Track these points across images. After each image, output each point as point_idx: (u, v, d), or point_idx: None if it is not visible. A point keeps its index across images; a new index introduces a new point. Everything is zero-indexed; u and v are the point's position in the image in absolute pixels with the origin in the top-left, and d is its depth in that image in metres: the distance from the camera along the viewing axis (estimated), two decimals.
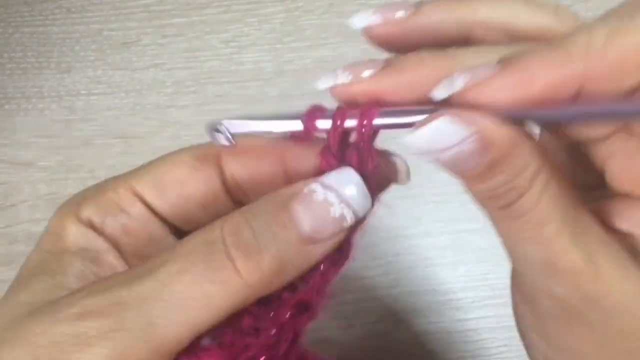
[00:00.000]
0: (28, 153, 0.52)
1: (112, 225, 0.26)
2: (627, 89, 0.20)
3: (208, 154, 0.26)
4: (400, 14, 0.24)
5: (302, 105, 0.54)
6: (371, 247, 0.49)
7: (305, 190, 0.22)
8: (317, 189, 0.22)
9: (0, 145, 0.52)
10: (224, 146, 0.24)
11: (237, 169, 0.26)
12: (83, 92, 0.54)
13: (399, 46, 0.25)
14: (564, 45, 0.20)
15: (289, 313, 0.22)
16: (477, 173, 0.20)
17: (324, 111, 0.23)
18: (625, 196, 0.23)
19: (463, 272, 0.49)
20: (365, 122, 0.22)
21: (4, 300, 0.24)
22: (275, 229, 0.21)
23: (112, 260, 0.25)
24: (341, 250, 0.23)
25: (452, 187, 0.51)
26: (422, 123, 0.20)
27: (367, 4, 0.57)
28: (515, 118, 0.20)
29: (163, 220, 0.27)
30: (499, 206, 0.21)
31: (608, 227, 0.23)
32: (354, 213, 0.22)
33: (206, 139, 0.55)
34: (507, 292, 0.49)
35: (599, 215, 0.23)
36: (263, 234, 0.21)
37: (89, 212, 0.26)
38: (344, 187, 0.22)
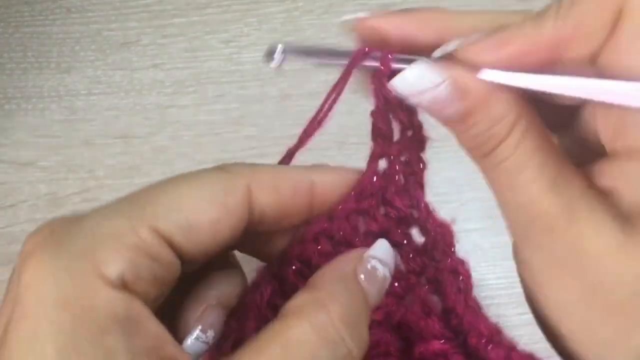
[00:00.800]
0: (28, 153, 0.52)
1: (145, 277, 0.21)
2: (590, 53, 0.22)
3: (237, 188, 0.24)
4: (390, 14, 0.27)
5: (303, 105, 0.53)
6: None
7: (369, 267, 0.26)
8: (377, 267, 0.26)
9: (0, 145, 0.52)
10: (275, 67, 0.26)
11: (268, 205, 0.25)
12: (83, 92, 0.54)
13: (388, 41, 0.27)
14: (537, 15, 0.22)
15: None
16: (457, 119, 0.23)
17: (370, 52, 0.27)
18: (613, 157, 0.24)
19: None
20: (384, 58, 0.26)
21: None
22: (357, 311, 0.24)
23: (151, 327, 0.21)
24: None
25: (452, 187, 0.51)
26: (406, 69, 0.24)
27: (367, 4, 0.57)
28: (503, 82, 0.23)
29: (182, 258, 0.23)
30: (481, 154, 0.23)
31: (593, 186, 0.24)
32: (390, 271, 0.27)
33: (205, 138, 0.55)
34: (507, 292, 0.50)
35: (586, 176, 0.24)
36: (358, 318, 0.24)
37: (117, 267, 0.20)
38: (390, 259, 0.27)
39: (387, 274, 0.26)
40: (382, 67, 0.25)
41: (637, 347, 0.23)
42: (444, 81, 0.23)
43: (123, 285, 0.21)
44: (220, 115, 0.53)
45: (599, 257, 0.22)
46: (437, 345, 0.25)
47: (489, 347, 0.25)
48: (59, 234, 0.21)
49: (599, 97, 0.22)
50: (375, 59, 0.26)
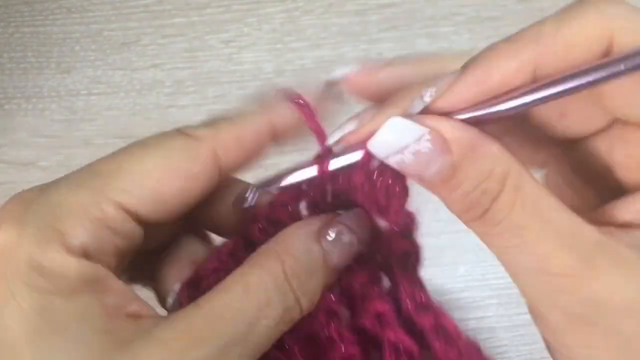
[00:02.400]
0: (28, 153, 0.52)
1: (106, 247, 0.22)
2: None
3: (203, 153, 0.24)
4: (373, 65, 0.26)
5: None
6: None
7: (334, 231, 0.24)
8: (344, 231, 0.25)
9: (0, 145, 0.53)
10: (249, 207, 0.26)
11: (235, 161, 0.25)
12: (83, 92, 0.54)
13: (374, 95, 0.26)
14: (515, 38, 0.21)
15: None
16: (443, 177, 0.21)
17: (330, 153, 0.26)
18: (631, 191, 0.23)
19: (463, 272, 0.49)
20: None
21: None
22: (318, 268, 0.24)
23: (116, 286, 0.22)
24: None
25: None
26: (378, 128, 0.22)
27: (367, 4, 0.57)
28: (484, 119, 0.21)
29: (143, 224, 0.24)
30: (475, 216, 0.21)
31: (612, 224, 0.22)
32: (363, 245, 0.25)
33: None
34: (507, 292, 0.50)
35: (603, 215, 0.23)
36: (313, 275, 0.24)
37: (79, 238, 0.21)
38: (361, 230, 0.25)
39: (354, 241, 0.25)
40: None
41: None
42: (424, 133, 0.21)
43: (85, 256, 0.22)
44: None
45: (630, 309, 0.20)
46: (378, 305, 0.25)
47: (419, 313, 0.25)
48: (27, 205, 0.22)
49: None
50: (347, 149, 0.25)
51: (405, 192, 0.24)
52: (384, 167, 0.23)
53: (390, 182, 0.24)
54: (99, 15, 0.57)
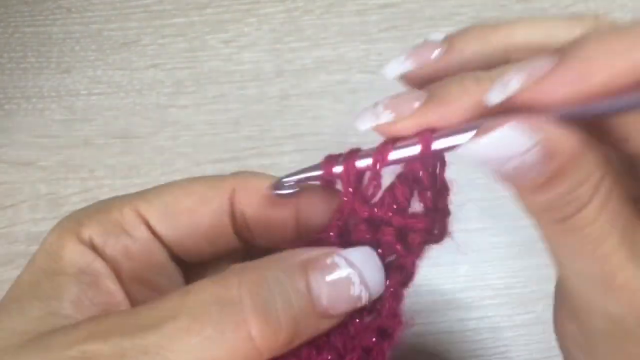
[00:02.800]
0: (28, 153, 0.52)
1: (113, 246, 0.24)
2: None
3: (221, 187, 0.25)
4: (434, 55, 0.23)
5: (303, 105, 0.53)
6: None
7: (328, 261, 0.21)
8: (341, 264, 0.21)
9: (0, 145, 0.52)
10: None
11: (249, 207, 0.25)
12: (83, 92, 0.54)
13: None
14: (629, 31, 0.18)
15: (373, 338, 0.22)
16: (537, 184, 0.19)
17: (338, 157, 0.24)
18: None
19: (463, 272, 0.49)
20: (378, 160, 0.22)
21: (3, 315, 0.22)
22: (293, 295, 0.20)
23: (110, 285, 0.24)
24: (406, 270, 0.23)
25: (452, 187, 0.51)
26: (484, 130, 0.18)
27: (367, 4, 0.57)
28: (578, 116, 0.18)
29: (165, 245, 0.25)
30: (555, 219, 0.20)
31: None
32: (370, 294, 0.21)
33: (205, 138, 0.55)
34: (508, 292, 0.50)
35: None
36: (281, 300, 0.19)
37: (90, 231, 0.24)
38: (367, 267, 0.21)
39: (355, 279, 0.21)
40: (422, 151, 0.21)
41: None
42: (534, 145, 0.18)
43: (91, 245, 0.24)
44: (220, 116, 0.53)
45: None
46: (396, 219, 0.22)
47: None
48: (77, 210, 0.25)
49: None
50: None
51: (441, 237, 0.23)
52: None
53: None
54: (99, 15, 0.57)
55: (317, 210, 0.24)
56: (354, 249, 0.22)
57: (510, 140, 0.18)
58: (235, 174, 0.26)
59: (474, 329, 0.48)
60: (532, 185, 0.19)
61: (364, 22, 0.56)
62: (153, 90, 0.54)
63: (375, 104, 0.22)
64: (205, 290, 0.19)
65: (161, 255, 0.25)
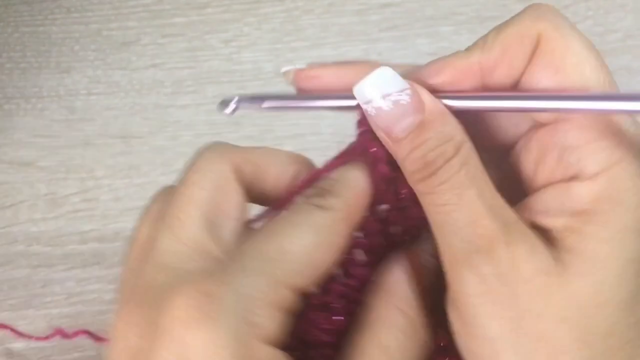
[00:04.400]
0: (27, 153, 0.52)
1: (286, 327, 0.24)
2: (512, 78, 0.25)
3: (337, 227, 0.26)
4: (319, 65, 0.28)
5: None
6: None
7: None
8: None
9: None
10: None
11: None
12: (82, 91, 0.54)
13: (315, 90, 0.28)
14: (468, 47, 0.25)
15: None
16: (410, 132, 0.24)
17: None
18: (534, 192, 0.26)
19: None
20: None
21: None
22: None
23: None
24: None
25: None
26: (370, 71, 0.25)
27: (367, 4, 0.57)
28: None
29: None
30: (425, 175, 0.24)
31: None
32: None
33: (205, 138, 0.55)
34: None
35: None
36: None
37: (269, 328, 0.23)
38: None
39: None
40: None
41: None
42: (407, 87, 0.24)
43: (275, 343, 0.23)
44: (220, 115, 0.53)
45: (531, 280, 0.23)
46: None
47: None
48: (215, 301, 0.22)
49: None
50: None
51: None
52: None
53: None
54: (99, 15, 0.57)
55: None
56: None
57: (387, 79, 0.24)
58: (334, 197, 0.26)
59: None
60: (406, 136, 0.24)
61: (364, 21, 0.56)
62: (153, 90, 0.54)
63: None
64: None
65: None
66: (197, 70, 0.55)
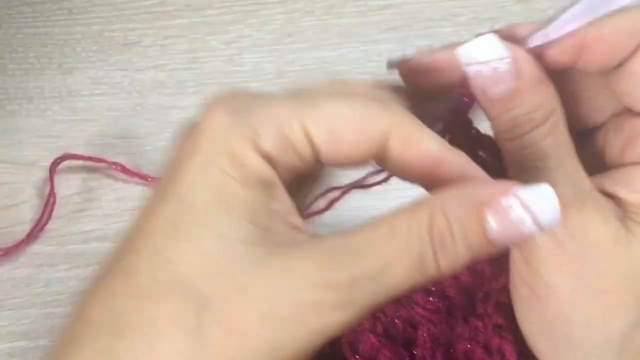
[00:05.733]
0: (30, 153, 0.52)
1: (286, 163, 0.25)
2: (611, 61, 0.26)
3: (380, 124, 0.25)
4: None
5: None
6: None
7: (503, 203, 0.22)
8: (514, 206, 0.22)
9: (1, 146, 0.53)
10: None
11: (396, 152, 0.25)
12: (84, 92, 0.55)
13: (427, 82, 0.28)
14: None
15: None
16: (505, 97, 0.25)
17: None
18: (617, 168, 0.28)
19: None
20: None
21: (201, 227, 0.23)
22: (470, 235, 0.23)
23: (285, 197, 0.25)
24: None
25: None
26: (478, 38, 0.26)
27: (367, 5, 0.57)
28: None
29: (316, 165, 0.26)
30: (513, 136, 0.26)
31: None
32: (541, 229, 0.23)
33: None
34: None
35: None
36: (461, 239, 0.23)
37: (269, 145, 0.24)
38: (540, 208, 0.22)
39: (526, 220, 0.22)
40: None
41: (619, 329, 0.26)
42: (507, 56, 0.25)
43: (269, 160, 0.24)
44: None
45: (599, 244, 0.25)
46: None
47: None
48: (241, 99, 0.26)
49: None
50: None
51: None
52: None
53: None
54: (101, 16, 0.57)
55: (450, 175, 0.26)
56: (531, 188, 0.23)
57: (490, 46, 0.25)
58: (390, 109, 0.26)
59: None
60: (502, 99, 0.25)
61: (364, 23, 0.56)
62: (154, 91, 0.54)
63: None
64: (408, 226, 0.23)
65: (310, 169, 0.26)
66: (199, 71, 0.55)
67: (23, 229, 0.50)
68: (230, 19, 0.57)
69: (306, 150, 0.25)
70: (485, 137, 0.29)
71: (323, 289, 0.22)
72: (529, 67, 0.25)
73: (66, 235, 0.49)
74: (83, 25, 0.57)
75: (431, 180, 0.25)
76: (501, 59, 0.25)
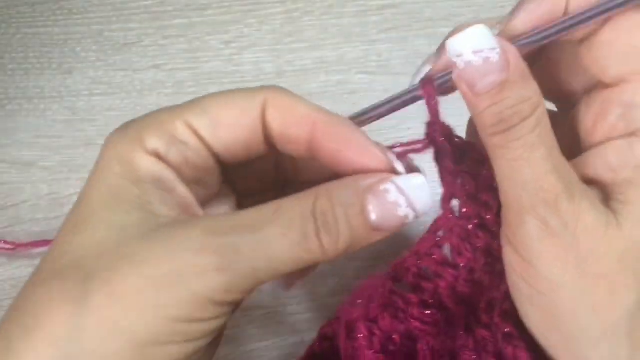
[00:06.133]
0: (29, 153, 0.53)
1: (175, 155, 0.28)
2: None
3: (256, 100, 0.28)
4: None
5: None
6: (370, 247, 0.49)
7: (381, 187, 0.26)
8: (391, 190, 0.26)
9: (1, 146, 0.53)
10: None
11: (275, 122, 0.29)
12: (84, 92, 0.55)
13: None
14: None
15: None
16: (491, 90, 0.25)
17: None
18: (590, 149, 0.28)
19: None
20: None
21: (96, 220, 0.26)
22: (352, 216, 0.26)
23: (182, 189, 0.28)
24: None
25: None
26: (461, 29, 0.26)
27: (366, 5, 0.57)
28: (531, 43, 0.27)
29: (212, 152, 0.29)
30: (501, 129, 0.26)
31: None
32: (416, 213, 0.27)
33: None
34: None
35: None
36: (343, 219, 0.26)
37: (154, 142, 0.27)
38: (414, 193, 0.27)
39: (401, 204, 0.26)
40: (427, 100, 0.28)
41: (625, 310, 0.26)
42: (497, 47, 0.25)
43: (157, 155, 0.27)
44: None
45: (593, 230, 0.26)
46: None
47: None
48: (127, 123, 0.29)
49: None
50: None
51: None
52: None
53: None
54: (100, 16, 0.57)
55: (330, 139, 0.28)
56: (405, 177, 0.27)
57: (479, 37, 0.25)
58: (265, 88, 0.29)
59: None
60: (489, 92, 0.25)
61: (364, 23, 0.56)
62: (154, 91, 0.54)
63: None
64: (291, 206, 0.26)
65: (209, 160, 0.29)
66: (198, 71, 0.55)
67: (23, 229, 0.50)
68: (229, 19, 0.57)
69: (193, 142, 0.28)
70: (470, 144, 0.29)
71: (206, 253, 0.24)
72: (516, 59, 0.26)
73: None
74: (83, 25, 0.57)
75: (313, 148, 0.28)
76: (492, 49, 0.25)
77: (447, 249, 0.29)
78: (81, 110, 0.54)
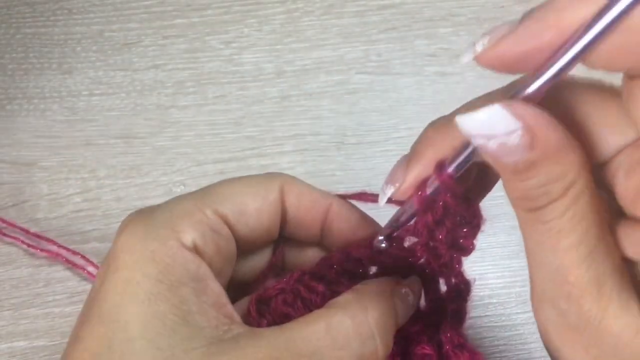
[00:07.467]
0: (29, 153, 0.53)
1: (210, 246, 0.27)
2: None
3: (275, 188, 0.30)
4: (505, 30, 0.22)
5: (303, 105, 0.54)
6: None
7: (403, 291, 0.30)
8: (409, 295, 0.30)
9: (1, 146, 0.53)
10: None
11: (292, 208, 0.30)
12: (84, 92, 0.55)
13: (520, 65, 0.22)
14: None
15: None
16: (516, 169, 0.21)
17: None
18: (634, 221, 0.23)
19: None
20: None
21: (139, 348, 0.24)
22: (388, 320, 0.28)
23: (215, 287, 0.27)
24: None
25: None
26: (477, 107, 0.21)
27: (366, 5, 0.57)
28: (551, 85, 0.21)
29: (237, 240, 0.29)
30: (528, 207, 0.22)
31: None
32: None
33: (206, 138, 0.55)
34: (507, 291, 0.50)
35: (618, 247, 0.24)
36: (387, 328, 0.28)
37: (191, 235, 0.26)
38: (419, 294, 0.31)
39: (414, 303, 0.30)
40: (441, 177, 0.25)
41: None
42: (518, 129, 0.20)
43: (194, 250, 0.26)
44: (221, 116, 0.54)
45: (619, 335, 0.23)
46: (426, 348, 0.30)
47: (456, 352, 0.30)
48: (146, 213, 0.27)
49: None
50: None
51: (468, 251, 0.30)
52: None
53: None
54: (100, 16, 0.57)
55: (340, 224, 0.31)
56: (412, 280, 0.31)
57: (497, 120, 0.21)
58: (278, 175, 0.30)
59: (474, 329, 0.48)
60: (513, 169, 0.21)
61: (364, 23, 0.56)
62: (154, 91, 0.54)
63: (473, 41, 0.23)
64: (345, 326, 0.26)
65: (234, 249, 0.29)
66: (198, 71, 0.55)
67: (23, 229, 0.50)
68: (229, 19, 0.57)
69: (225, 230, 0.28)
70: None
71: None
72: (547, 133, 0.21)
73: (66, 235, 0.49)
74: (83, 25, 0.57)
75: (326, 228, 0.30)
76: (510, 132, 0.20)
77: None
78: (81, 110, 0.54)
